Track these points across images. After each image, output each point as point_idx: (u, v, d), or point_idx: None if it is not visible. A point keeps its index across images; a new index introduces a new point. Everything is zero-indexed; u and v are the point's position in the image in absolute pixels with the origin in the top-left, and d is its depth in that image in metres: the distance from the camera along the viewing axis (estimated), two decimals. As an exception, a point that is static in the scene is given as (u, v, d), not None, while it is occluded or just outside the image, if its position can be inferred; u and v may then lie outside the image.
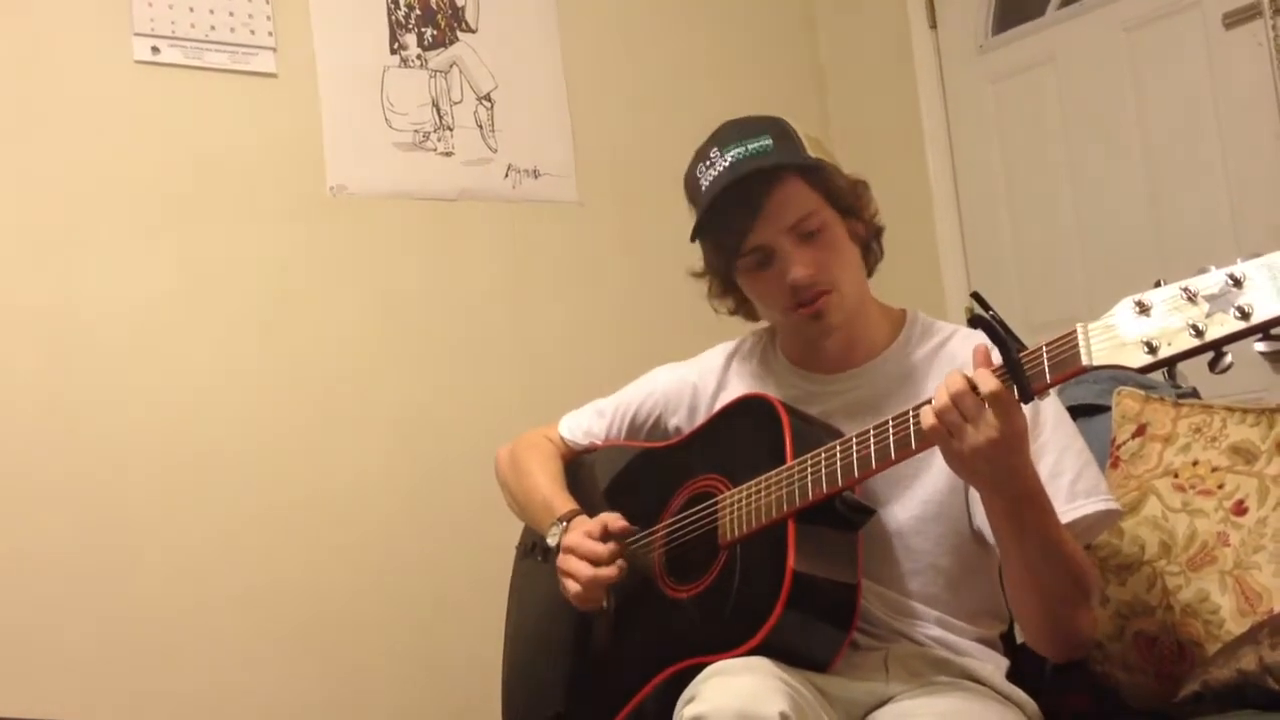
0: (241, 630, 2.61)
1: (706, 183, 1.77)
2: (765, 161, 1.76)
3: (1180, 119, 2.88)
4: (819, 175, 1.78)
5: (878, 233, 1.89)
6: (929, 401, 1.49)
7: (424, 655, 2.77)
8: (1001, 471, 1.48)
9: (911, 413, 1.53)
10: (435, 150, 3.01)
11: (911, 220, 3.32)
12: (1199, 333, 1.28)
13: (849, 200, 1.80)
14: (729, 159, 1.78)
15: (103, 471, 2.53)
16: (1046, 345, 1.40)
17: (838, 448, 1.61)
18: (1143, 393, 2.03)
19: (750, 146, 1.77)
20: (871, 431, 1.58)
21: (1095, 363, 1.35)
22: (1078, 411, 2.22)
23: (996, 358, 1.46)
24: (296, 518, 2.69)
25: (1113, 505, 1.67)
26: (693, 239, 1.84)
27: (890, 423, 1.56)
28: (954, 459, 1.49)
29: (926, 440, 1.50)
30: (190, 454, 2.61)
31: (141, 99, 2.68)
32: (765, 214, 1.76)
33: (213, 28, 2.74)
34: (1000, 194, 3.27)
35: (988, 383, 1.43)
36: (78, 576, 2.47)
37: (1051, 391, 1.67)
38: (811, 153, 1.79)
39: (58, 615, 2.44)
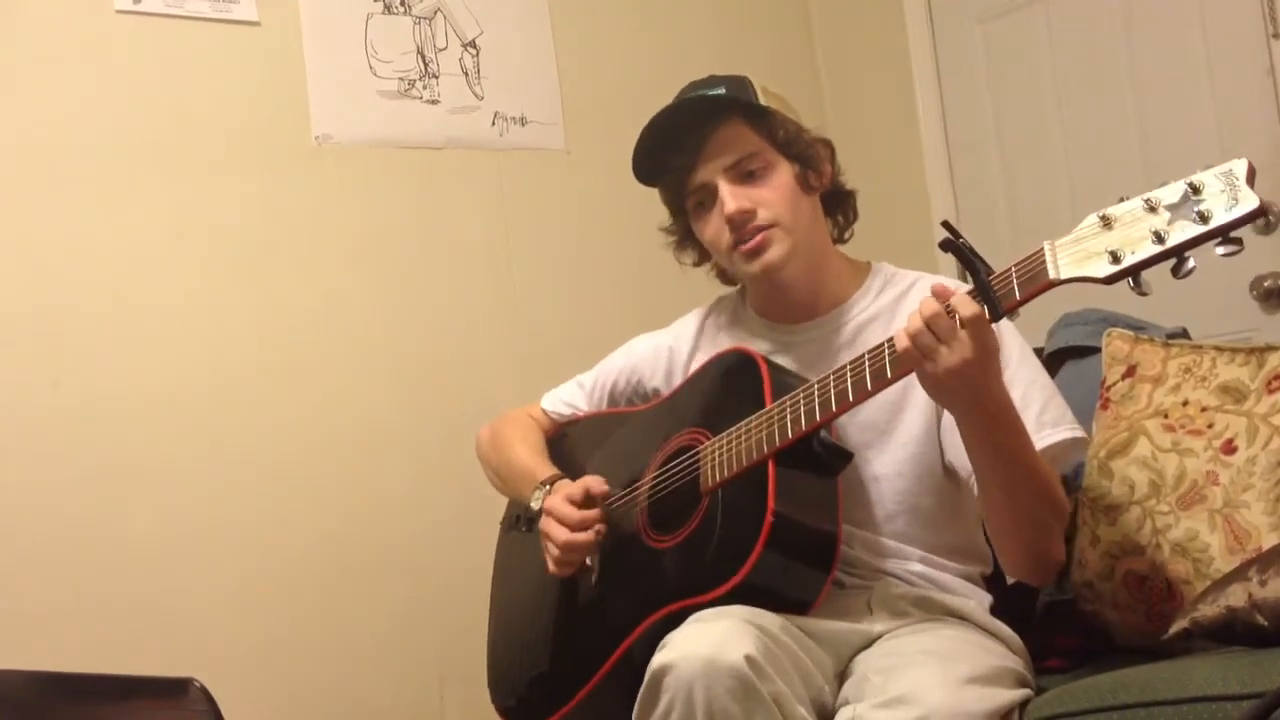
0: (235, 576, 2.59)
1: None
2: (707, 100, 1.80)
3: (1170, 57, 2.86)
4: (764, 119, 1.80)
5: (843, 194, 1.91)
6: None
7: (413, 616, 2.76)
8: (976, 391, 1.50)
9: (886, 345, 1.55)
10: (421, 98, 2.98)
11: (901, 162, 3.30)
12: (1161, 239, 1.32)
13: (798, 148, 1.81)
14: (676, 101, 1.83)
15: (89, 424, 2.50)
16: (1015, 265, 1.44)
17: (815, 385, 1.62)
18: (1132, 334, 2.03)
19: (704, 94, 1.82)
20: (848, 366, 1.59)
21: (1062, 276, 1.38)
22: (1068, 353, 2.22)
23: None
24: (284, 469, 2.68)
25: (1078, 433, 1.70)
26: (638, 179, 1.88)
27: (866, 356, 1.57)
28: (928, 381, 1.50)
29: (901, 366, 1.52)
30: (176, 406, 2.59)
31: (123, 48, 2.64)
32: (706, 154, 1.80)
33: (193, -26, 2.71)
34: (990, 134, 3.25)
35: (960, 301, 1.45)
36: (72, 526, 2.46)
37: (1014, 329, 1.71)
38: (766, 103, 1.82)
39: (53, 565, 2.44)
